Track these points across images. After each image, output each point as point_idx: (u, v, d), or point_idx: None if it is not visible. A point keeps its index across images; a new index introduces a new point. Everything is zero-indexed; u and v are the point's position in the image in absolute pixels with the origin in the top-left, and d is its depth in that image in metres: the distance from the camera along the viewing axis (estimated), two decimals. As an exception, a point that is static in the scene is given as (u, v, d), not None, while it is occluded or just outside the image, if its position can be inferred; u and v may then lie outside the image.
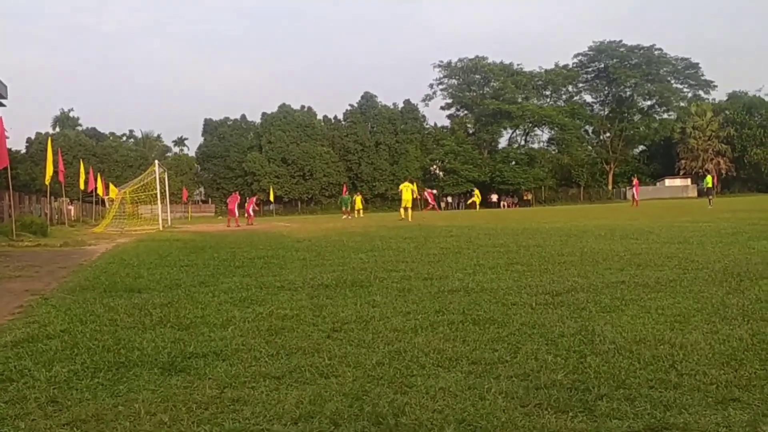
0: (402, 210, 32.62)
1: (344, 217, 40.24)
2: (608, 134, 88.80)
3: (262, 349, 4.53)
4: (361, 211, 43.89)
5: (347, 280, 7.86)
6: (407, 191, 32.51)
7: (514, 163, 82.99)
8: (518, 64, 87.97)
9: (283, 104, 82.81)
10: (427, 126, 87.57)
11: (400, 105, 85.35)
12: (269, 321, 5.51)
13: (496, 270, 8.58)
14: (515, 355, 4.21)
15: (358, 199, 45.79)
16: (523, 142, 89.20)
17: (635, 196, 50.72)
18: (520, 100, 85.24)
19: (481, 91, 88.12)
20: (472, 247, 12.20)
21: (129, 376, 4.01)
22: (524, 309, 5.71)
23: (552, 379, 3.67)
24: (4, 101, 19.43)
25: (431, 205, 50.54)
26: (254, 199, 39.27)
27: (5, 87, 18.74)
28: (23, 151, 70.93)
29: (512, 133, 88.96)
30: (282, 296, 6.88)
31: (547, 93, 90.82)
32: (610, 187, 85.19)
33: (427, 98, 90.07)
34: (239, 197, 35.35)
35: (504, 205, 74.42)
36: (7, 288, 9.00)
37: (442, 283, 7.42)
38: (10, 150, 19.55)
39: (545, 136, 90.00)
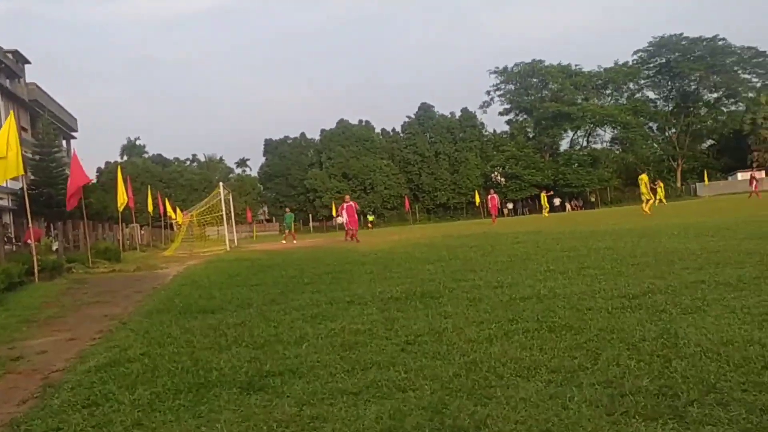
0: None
1: (283, 241, 35.82)
2: (674, 130, 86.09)
3: (337, 365, 4.53)
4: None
5: (417, 292, 7.82)
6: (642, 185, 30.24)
7: (576, 165, 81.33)
8: (576, 65, 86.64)
9: (341, 120, 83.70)
10: (486, 133, 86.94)
11: (458, 114, 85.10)
12: (342, 336, 5.51)
13: (567, 275, 8.41)
14: (596, 361, 4.09)
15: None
16: (585, 144, 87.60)
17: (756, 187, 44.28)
18: (579, 101, 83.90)
19: (539, 95, 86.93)
20: (541, 253, 11.99)
21: (209, 396, 4.07)
22: (601, 314, 5.57)
23: (637, 386, 3.55)
24: (75, 134, 20.24)
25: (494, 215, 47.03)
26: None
27: (75, 120, 19.55)
28: (94, 180, 73.59)
29: (573, 135, 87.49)
30: (353, 311, 6.88)
31: (608, 92, 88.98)
32: (678, 184, 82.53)
33: (484, 105, 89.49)
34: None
35: (568, 208, 73.07)
36: (87, 314, 9.31)
37: (513, 291, 7.31)
38: (82, 180, 20.19)
39: (608, 136, 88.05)
